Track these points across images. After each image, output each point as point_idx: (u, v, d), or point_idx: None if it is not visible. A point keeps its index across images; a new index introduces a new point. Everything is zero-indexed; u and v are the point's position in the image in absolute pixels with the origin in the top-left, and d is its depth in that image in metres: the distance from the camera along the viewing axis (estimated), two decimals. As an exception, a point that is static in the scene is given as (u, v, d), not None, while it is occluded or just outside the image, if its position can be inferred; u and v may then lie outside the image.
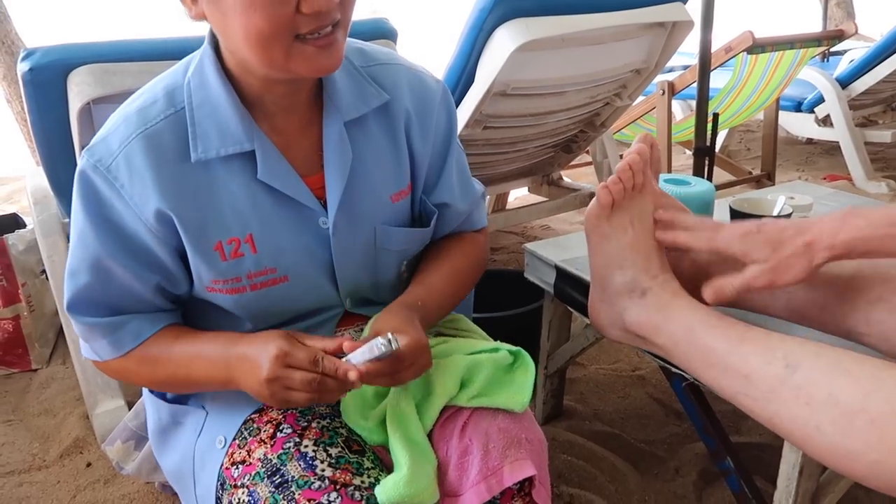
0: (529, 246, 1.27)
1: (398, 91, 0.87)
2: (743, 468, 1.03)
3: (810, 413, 0.67)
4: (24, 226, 1.94)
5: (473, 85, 1.60)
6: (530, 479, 0.78)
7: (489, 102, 1.63)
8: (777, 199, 1.14)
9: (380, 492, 0.74)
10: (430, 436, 0.81)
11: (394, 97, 0.86)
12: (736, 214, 1.12)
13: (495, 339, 0.97)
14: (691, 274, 0.93)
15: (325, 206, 0.83)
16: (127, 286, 0.81)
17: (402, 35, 1.53)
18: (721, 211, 1.20)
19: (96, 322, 0.82)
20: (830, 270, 0.84)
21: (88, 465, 1.39)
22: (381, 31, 1.42)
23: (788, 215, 1.09)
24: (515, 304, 1.50)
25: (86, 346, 0.87)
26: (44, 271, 1.71)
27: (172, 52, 1.08)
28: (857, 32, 2.67)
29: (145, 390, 0.98)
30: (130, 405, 1.32)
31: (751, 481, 1.02)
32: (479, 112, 1.65)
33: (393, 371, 0.75)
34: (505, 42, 1.48)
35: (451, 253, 0.96)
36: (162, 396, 0.95)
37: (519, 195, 2.90)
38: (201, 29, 0.79)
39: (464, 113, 1.65)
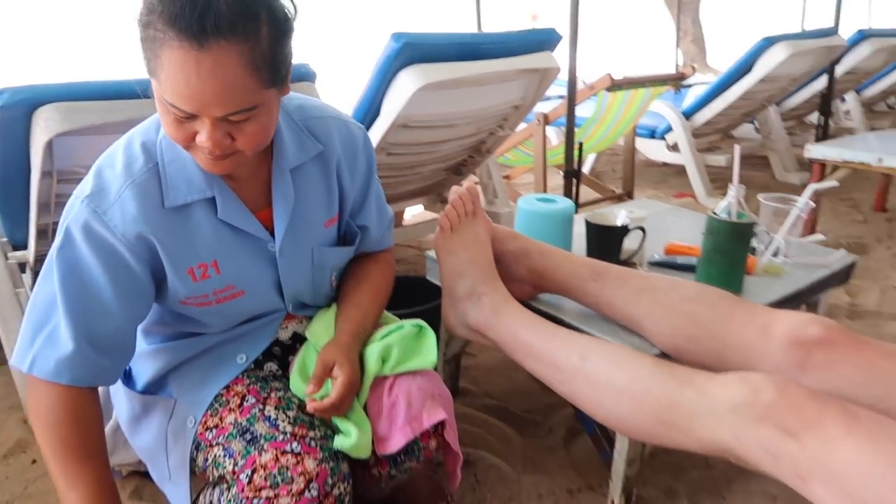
0: (431, 253, 1.54)
1: (330, 141, 1.06)
2: (597, 418, 1.34)
3: (595, 392, 0.96)
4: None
5: (379, 118, 1.86)
6: (443, 423, 1.04)
7: (392, 133, 1.90)
8: (620, 212, 1.48)
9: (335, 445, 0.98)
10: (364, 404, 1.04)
11: (327, 146, 1.05)
12: (590, 225, 1.45)
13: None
14: (527, 276, 1.24)
15: (272, 234, 1.02)
16: (111, 315, 0.93)
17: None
18: (580, 223, 1.53)
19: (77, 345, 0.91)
20: (615, 289, 1.16)
21: (34, 461, 1.49)
22: (302, 75, 1.65)
23: (627, 225, 1.42)
24: (416, 304, 1.76)
25: (20, 353, 0.94)
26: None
27: (129, 91, 1.20)
28: (694, 73, 3.17)
29: (116, 384, 1.12)
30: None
31: (602, 425, 1.33)
32: (384, 141, 1.91)
33: (336, 407, 0.98)
34: (407, 83, 1.75)
35: (372, 273, 1.18)
36: (133, 388, 1.11)
37: (415, 212, 3.17)
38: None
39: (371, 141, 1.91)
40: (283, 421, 0.99)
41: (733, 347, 1.01)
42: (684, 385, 0.87)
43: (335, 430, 1.01)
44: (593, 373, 0.96)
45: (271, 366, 1.14)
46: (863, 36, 3.96)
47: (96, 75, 1.37)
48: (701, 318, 1.06)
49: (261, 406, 1.01)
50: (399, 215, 2.92)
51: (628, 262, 1.43)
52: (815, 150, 2.82)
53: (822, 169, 2.88)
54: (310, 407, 0.98)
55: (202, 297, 1.00)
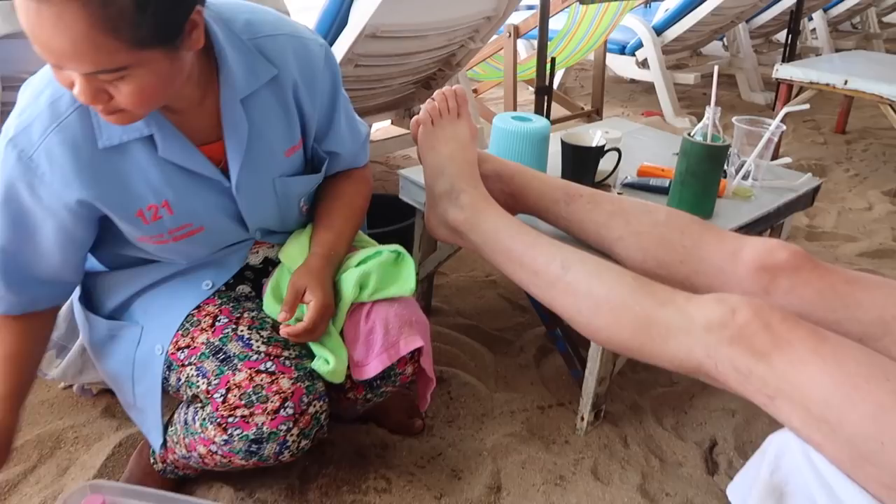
0: (404, 172, 1.51)
1: (285, 62, 0.94)
2: (568, 334, 1.37)
3: (575, 301, 0.96)
4: None
5: (346, 28, 1.77)
6: (419, 350, 1.04)
7: (360, 44, 1.81)
8: (596, 133, 1.46)
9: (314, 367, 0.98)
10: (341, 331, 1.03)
11: (281, 69, 0.94)
12: (566, 146, 1.43)
13: (378, 249, 1.22)
14: (500, 198, 1.22)
15: (226, 168, 0.95)
16: (44, 250, 0.92)
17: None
18: (555, 141, 1.51)
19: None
20: (587, 213, 1.15)
21: None
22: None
23: (603, 146, 1.41)
24: (388, 223, 1.75)
25: None
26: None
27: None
28: (668, -12, 3.09)
29: (79, 306, 1.10)
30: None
31: (574, 343, 1.37)
32: (352, 52, 1.82)
33: (310, 332, 0.96)
34: (376, -10, 1.66)
35: (346, 192, 1.13)
36: (96, 312, 1.08)
37: (382, 126, 3.09)
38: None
39: (337, 52, 1.82)
40: (257, 341, 0.98)
41: (702, 272, 1.03)
42: (663, 303, 0.88)
43: (311, 354, 1.01)
44: (574, 282, 0.96)
45: (244, 288, 1.12)
46: (835, -49, 3.90)
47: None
48: (671, 243, 1.07)
49: (233, 326, 1.00)
50: (365, 130, 2.85)
51: (603, 184, 1.43)
52: (782, 71, 2.82)
53: (788, 89, 2.89)
54: (283, 332, 0.97)
55: (157, 237, 0.96)
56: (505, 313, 1.75)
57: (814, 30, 4.88)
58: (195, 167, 0.92)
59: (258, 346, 0.97)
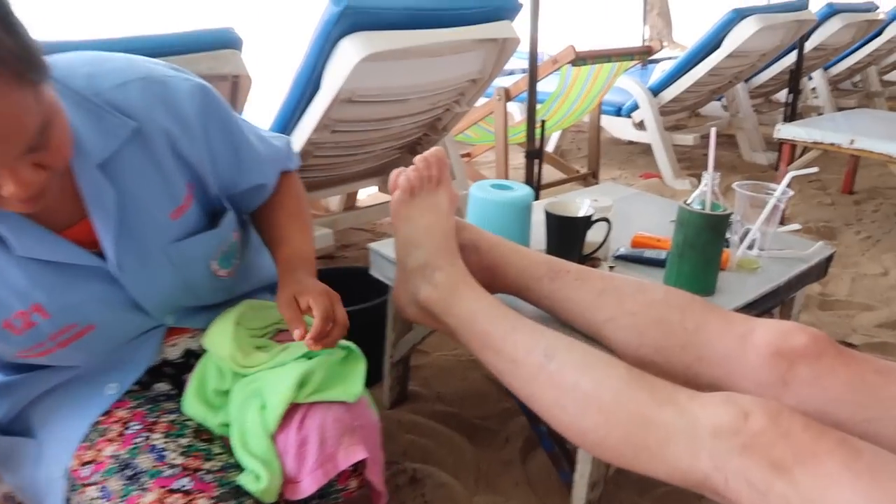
0: (374, 245, 1.38)
1: (146, 111, 0.81)
2: (554, 431, 1.21)
3: (558, 396, 0.83)
4: None
5: (320, 92, 1.68)
6: (364, 460, 0.87)
7: (336, 108, 1.71)
8: (584, 201, 1.34)
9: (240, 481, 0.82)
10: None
11: (143, 120, 0.80)
12: (550, 216, 1.30)
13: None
14: (477, 273, 1.09)
15: (101, 250, 0.81)
16: None
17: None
18: (539, 211, 1.38)
19: None
20: (574, 291, 1.03)
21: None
22: (226, 42, 1.45)
23: (591, 216, 1.28)
24: (363, 300, 1.60)
25: None
26: None
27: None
28: (662, 48, 3.04)
29: None
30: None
31: (561, 441, 1.20)
32: (327, 117, 1.73)
33: (335, 324, 0.87)
34: (349, 53, 1.57)
35: (284, 203, 1.03)
36: None
37: (368, 193, 3.00)
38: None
39: (312, 118, 1.72)
40: (173, 451, 0.83)
41: (707, 359, 0.90)
42: (662, 401, 0.76)
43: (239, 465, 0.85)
44: (558, 373, 0.84)
45: (162, 386, 0.97)
46: (832, 10, 3.87)
47: None
48: (670, 326, 0.94)
49: (146, 434, 0.85)
50: (352, 196, 2.75)
51: (592, 256, 1.29)
52: (784, 131, 2.72)
53: (791, 150, 2.78)
54: (309, 344, 0.85)
55: (36, 347, 0.81)
56: (490, 398, 1.59)
57: (814, 89, 4.83)
58: (62, 257, 0.78)
59: (173, 459, 0.82)
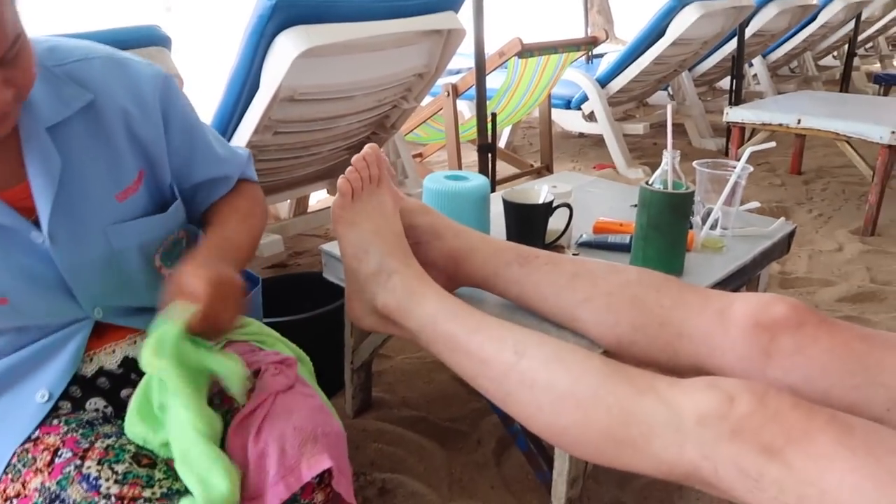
0: (325, 247, 1.30)
1: (105, 87, 0.81)
2: (528, 431, 1.15)
3: (533, 395, 0.78)
4: None
5: (259, 91, 1.59)
6: (329, 471, 0.80)
7: (277, 108, 1.63)
8: (542, 188, 1.29)
9: None
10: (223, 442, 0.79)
11: (99, 94, 0.80)
12: (509, 204, 1.24)
13: (300, 342, 0.99)
14: (440, 262, 1.03)
15: (36, 217, 0.77)
16: None
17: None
18: (497, 202, 1.32)
19: None
20: (545, 275, 0.98)
21: None
22: (154, 39, 1.36)
23: (552, 202, 1.23)
24: (319, 306, 1.52)
25: None
26: None
27: None
28: (608, 39, 3.03)
29: None
30: None
31: (536, 440, 1.15)
32: (268, 118, 1.64)
33: (209, 318, 0.75)
34: (287, 49, 1.49)
35: (240, 207, 0.97)
36: None
37: (318, 198, 2.91)
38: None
39: (252, 119, 1.63)
40: (108, 480, 0.74)
41: (687, 336, 0.86)
42: (642, 392, 0.72)
43: (199, 480, 0.76)
44: (530, 371, 0.78)
45: (96, 402, 0.86)
46: (769, -3, 3.95)
47: None
48: (647, 304, 0.90)
49: (77, 462, 0.76)
50: (303, 201, 2.65)
51: (556, 245, 1.24)
52: (733, 114, 2.74)
53: (741, 132, 2.81)
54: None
55: None
56: (459, 399, 1.52)
57: (755, 75, 4.94)
58: None
59: (108, 488, 0.73)
